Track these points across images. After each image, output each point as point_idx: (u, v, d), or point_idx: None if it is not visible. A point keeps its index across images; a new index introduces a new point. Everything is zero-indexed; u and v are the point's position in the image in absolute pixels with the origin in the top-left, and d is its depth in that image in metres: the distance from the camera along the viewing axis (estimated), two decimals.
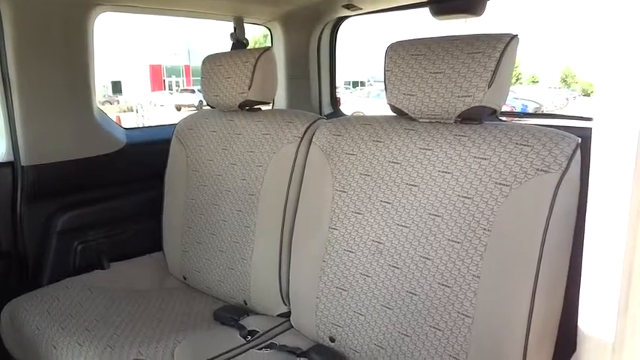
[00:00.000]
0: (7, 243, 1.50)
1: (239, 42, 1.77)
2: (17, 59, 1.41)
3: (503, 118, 1.46)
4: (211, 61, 1.50)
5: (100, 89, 21.98)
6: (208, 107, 1.58)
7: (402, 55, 1.06)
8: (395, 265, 1.06)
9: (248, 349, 1.19)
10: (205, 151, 1.50)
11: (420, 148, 1.05)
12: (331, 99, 2.21)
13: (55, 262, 1.55)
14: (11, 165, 1.48)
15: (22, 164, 1.47)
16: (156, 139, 1.75)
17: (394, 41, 1.10)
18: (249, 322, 1.31)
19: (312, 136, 1.26)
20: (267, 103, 1.47)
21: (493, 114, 1.04)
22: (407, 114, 1.09)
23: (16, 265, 1.51)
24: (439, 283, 0.99)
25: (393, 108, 1.11)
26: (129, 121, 12.95)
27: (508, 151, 0.94)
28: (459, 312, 0.96)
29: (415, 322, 1.02)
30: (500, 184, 0.93)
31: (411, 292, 1.03)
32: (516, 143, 0.94)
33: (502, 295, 0.92)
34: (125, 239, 1.70)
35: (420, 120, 1.09)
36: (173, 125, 1.66)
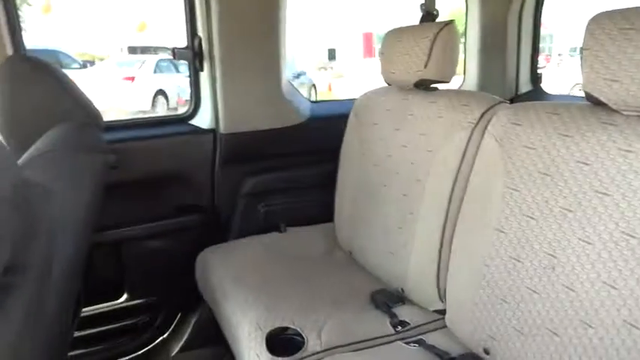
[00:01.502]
0: (207, 200, 1.73)
1: (428, 14, 1.65)
2: (222, 36, 1.57)
3: None
4: (392, 35, 1.44)
5: (316, 56, 23.59)
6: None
7: (609, 29, 0.84)
8: (570, 286, 0.88)
9: (395, 341, 1.16)
10: (378, 129, 1.47)
11: (620, 149, 0.84)
12: (531, 75, 1.93)
13: (242, 221, 1.74)
14: (213, 132, 1.68)
15: (221, 132, 1.66)
16: (337, 113, 1.78)
17: (601, 12, 0.88)
18: (402, 312, 1.27)
19: (488, 123, 1.12)
20: (445, 83, 1.36)
21: None
22: (606, 104, 0.87)
23: (212, 219, 1.74)
24: (624, 321, 0.79)
25: (589, 96, 0.90)
26: (339, 87, 13.66)
27: None
28: None
29: (587, 358, 0.85)
30: None
31: (586, 323, 0.85)
32: None
33: None
34: (302, 207, 1.80)
35: (624, 112, 0.86)
36: (354, 100, 1.67)
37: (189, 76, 1.72)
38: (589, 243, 0.86)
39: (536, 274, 0.95)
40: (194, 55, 1.64)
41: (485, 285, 1.04)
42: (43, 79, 1.06)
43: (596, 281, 0.84)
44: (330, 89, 13.70)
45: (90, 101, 1.17)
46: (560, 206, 0.91)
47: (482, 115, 1.16)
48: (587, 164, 0.88)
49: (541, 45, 1.91)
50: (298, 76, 11.73)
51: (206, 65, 1.64)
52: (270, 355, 1.09)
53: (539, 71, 1.94)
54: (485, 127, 1.12)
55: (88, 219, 0.98)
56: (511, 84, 1.91)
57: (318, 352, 1.10)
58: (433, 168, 1.25)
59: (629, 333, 0.79)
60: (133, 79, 10.09)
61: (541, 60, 1.98)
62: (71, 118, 1.09)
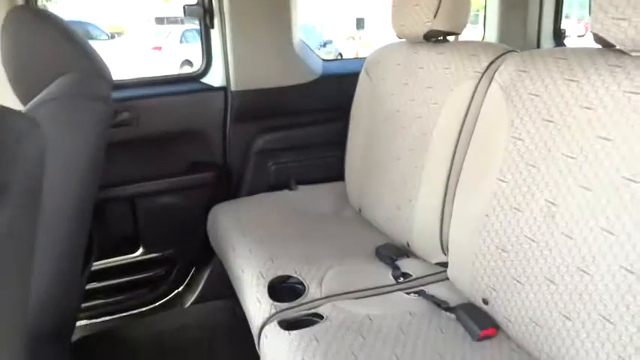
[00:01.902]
0: (219, 157, 1.76)
1: None
2: None
3: None
4: None
5: (344, 26, 23.18)
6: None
7: None
8: (568, 234, 0.87)
9: (395, 291, 1.16)
10: (388, 85, 1.45)
11: (625, 91, 0.80)
12: (554, 31, 1.86)
13: (253, 178, 1.76)
14: (224, 90, 1.69)
15: (232, 89, 1.67)
16: (350, 71, 1.76)
17: None
18: (405, 265, 1.27)
19: (495, 72, 1.08)
20: (456, 34, 1.32)
21: None
22: (614, 46, 0.83)
23: (224, 176, 1.76)
24: (621, 266, 0.78)
25: (597, 38, 0.86)
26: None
27: None
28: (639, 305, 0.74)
29: (582, 306, 0.84)
30: None
31: (582, 270, 0.84)
32: None
33: None
34: (313, 165, 1.81)
35: (632, 54, 0.82)
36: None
37: (200, 33, 1.72)
38: (589, 189, 0.84)
39: (535, 222, 0.93)
40: (204, 12, 1.64)
41: (486, 235, 1.03)
42: (48, 30, 1.08)
43: (594, 228, 0.82)
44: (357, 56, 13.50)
45: (97, 53, 1.18)
46: (562, 153, 0.89)
47: (489, 65, 1.13)
48: (590, 109, 0.85)
49: (581, 12, 1.82)
50: (325, 45, 11.61)
51: (217, 22, 1.64)
52: (270, 301, 1.11)
53: (562, 27, 1.86)
54: (492, 77, 1.09)
55: (90, 166, 1.00)
56: (532, 40, 1.84)
57: (317, 299, 1.12)
58: (439, 121, 1.23)
59: (624, 278, 0.77)
60: (160, 48, 10.20)
61: (581, 27, 1.89)
62: (78, 70, 1.11)
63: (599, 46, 0.90)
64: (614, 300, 0.78)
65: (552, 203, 0.90)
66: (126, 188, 1.61)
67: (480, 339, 1.00)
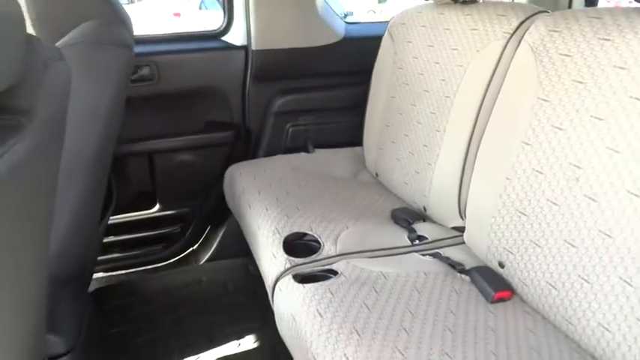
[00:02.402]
0: (237, 117, 1.75)
1: None
2: None
3: None
4: None
5: None
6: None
7: None
8: (592, 197, 0.85)
9: (410, 252, 1.16)
10: (412, 47, 1.42)
11: None
12: None
13: (271, 139, 1.75)
14: (244, 48, 1.67)
15: (253, 48, 1.65)
16: (373, 34, 1.72)
17: None
18: (421, 228, 1.26)
19: (525, 33, 1.05)
20: None
21: None
22: None
23: (242, 136, 1.76)
24: None
25: None
26: None
27: None
28: None
29: (602, 269, 0.83)
30: None
31: (605, 233, 0.82)
32: None
33: None
34: (331, 129, 1.79)
35: None
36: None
37: None
38: (617, 152, 0.82)
39: (558, 185, 0.91)
40: None
41: (506, 198, 1.02)
42: None
43: (620, 191, 0.81)
44: None
45: (119, 3, 1.18)
46: (590, 114, 0.86)
47: (519, 25, 1.10)
48: (623, 68, 0.82)
49: None
50: (345, 16, 11.42)
51: None
52: (286, 256, 1.12)
53: None
54: (522, 37, 1.06)
55: (111, 114, 1.00)
56: (564, 1, 1.77)
57: (332, 257, 1.12)
58: (463, 83, 1.20)
59: None
60: (179, 15, 10.13)
61: None
62: (102, 17, 1.10)
63: (638, 5, 0.86)
64: (636, 263, 0.77)
65: (577, 166, 0.88)
66: (145, 144, 1.62)
67: (495, 301, 1.00)
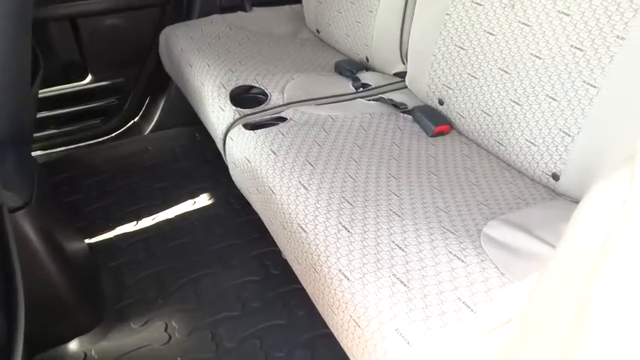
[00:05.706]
0: None
1: None
2: None
3: None
4: None
5: None
6: None
7: None
8: (526, 22, 0.89)
9: (355, 98, 1.20)
10: None
11: None
12: None
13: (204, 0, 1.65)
14: None
15: None
16: None
17: None
18: (365, 76, 1.29)
19: None
20: None
21: None
22: None
23: None
24: (571, 46, 0.82)
25: None
26: None
27: None
28: (585, 81, 0.81)
29: (531, 89, 0.90)
30: None
31: (535, 55, 0.88)
32: None
33: None
34: None
35: None
36: None
37: None
38: None
39: (495, 15, 0.95)
40: None
41: (446, 34, 1.05)
42: None
43: (551, 12, 0.85)
44: None
45: None
46: None
47: None
48: None
49: None
50: None
51: None
52: (234, 107, 1.12)
53: None
54: None
55: None
56: None
57: (280, 105, 1.14)
58: None
59: (572, 56, 0.82)
60: None
61: None
62: None
63: None
64: (562, 79, 0.84)
65: None
66: (65, 5, 1.48)
67: (435, 135, 1.07)
